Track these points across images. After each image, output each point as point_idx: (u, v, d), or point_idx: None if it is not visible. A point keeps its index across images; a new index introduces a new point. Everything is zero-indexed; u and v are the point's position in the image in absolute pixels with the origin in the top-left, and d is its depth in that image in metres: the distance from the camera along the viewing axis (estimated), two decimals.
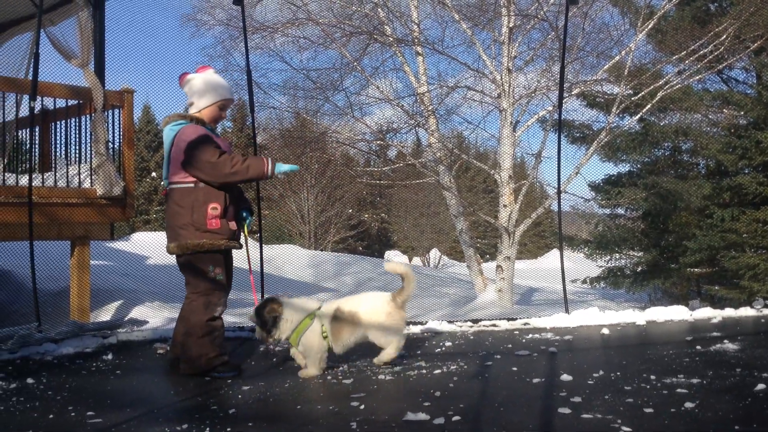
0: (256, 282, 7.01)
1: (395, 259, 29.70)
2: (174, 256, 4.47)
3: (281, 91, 12.26)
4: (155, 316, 6.81)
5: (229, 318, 7.01)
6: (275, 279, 11.39)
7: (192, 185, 4.36)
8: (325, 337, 4.30)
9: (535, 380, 4.04)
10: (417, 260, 33.86)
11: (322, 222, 30.38)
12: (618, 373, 4.12)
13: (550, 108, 11.26)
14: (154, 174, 32.26)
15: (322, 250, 25.64)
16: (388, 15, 11.43)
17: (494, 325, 6.21)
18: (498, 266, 10.86)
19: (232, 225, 4.47)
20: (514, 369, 4.39)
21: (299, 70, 11.65)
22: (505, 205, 10.86)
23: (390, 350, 4.45)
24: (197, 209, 4.33)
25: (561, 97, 7.16)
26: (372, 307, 4.41)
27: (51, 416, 3.50)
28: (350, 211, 33.23)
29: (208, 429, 3.24)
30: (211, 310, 4.40)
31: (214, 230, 4.35)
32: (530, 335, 5.69)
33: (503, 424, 3.20)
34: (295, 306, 4.34)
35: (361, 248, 36.22)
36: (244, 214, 4.64)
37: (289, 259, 14.61)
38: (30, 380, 4.24)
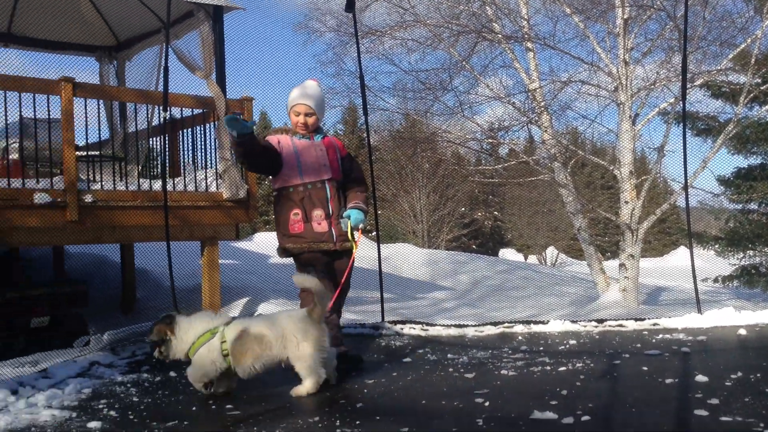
0: (375, 281, 7.14)
1: (510, 258, 29.25)
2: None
3: (391, 93, 12.38)
4: None
5: (350, 316, 7.17)
6: (392, 278, 11.52)
7: (276, 193, 4.68)
8: (225, 355, 3.89)
9: (668, 380, 3.86)
10: (533, 258, 33.22)
11: (435, 221, 30.45)
12: (758, 375, 3.87)
13: (672, 100, 10.73)
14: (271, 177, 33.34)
15: (435, 249, 25.66)
16: (496, 12, 11.29)
17: (621, 326, 5.97)
18: (621, 264, 10.46)
19: (320, 227, 4.56)
20: (645, 368, 4.21)
21: (408, 71, 11.73)
22: (626, 202, 10.45)
23: (307, 383, 3.86)
24: (282, 215, 4.60)
25: (684, 89, 6.79)
26: (284, 329, 3.87)
27: (193, 408, 3.72)
28: (463, 209, 33.11)
29: (338, 422, 3.33)
30: None
31: (297, 234, 4.55)
32: (660, 335, 5.43)
33: (636, 426, 3.09)
34: (192, 323, 4.00)
35: (474, 246, 35.99)
36: (347, 214, 4.66)
37: (404, 258, 14.72)
38: (173, 373, 4.51)
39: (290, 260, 4.76)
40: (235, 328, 3.93)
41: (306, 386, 3.83)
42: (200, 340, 3.91)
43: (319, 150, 4.68)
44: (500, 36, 11.06)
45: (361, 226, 4.64)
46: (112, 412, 3.62)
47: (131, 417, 3.54)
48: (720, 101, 12.70)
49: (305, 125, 4.69)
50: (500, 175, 14.21)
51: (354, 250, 4.61)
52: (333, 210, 4.62)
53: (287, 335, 3.83)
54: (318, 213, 4.58)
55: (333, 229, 4.60)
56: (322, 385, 3.90)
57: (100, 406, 3.74)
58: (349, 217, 4.63)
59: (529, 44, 11.13)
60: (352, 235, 4.60)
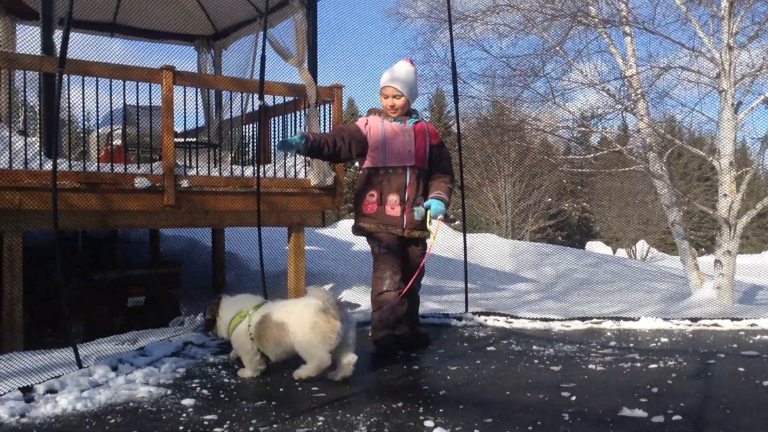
0: (458, 270, 7.13)
1: (597, 251, 28.48)
2: None
3: (480, 80, 12.23)
4: (363, 300, 7.14)
5: (433, 305, 7.18)
6: (475, 268, 11.44)
7: (360, 172, 4.83)
8: (252, 339, 4.02)
9: (766, 383, 3.69)
10: (622, 252, 32.26)
11: (520, 211, 29.99)
12: None
13: None
14: (357, 164, 33.73)
15: (519, 240, 25.30)
16: None
17: (716, 325, 5.72)
18: (717, 261, 10.01)
19: (393, 211, 4.67)
20: (741, 369, 4.03)
21: (499, 57, 11.56)
22: (725, 195, 9.97)
23: (310, 366, 3.85)
24: (360, 195, 4.78)
25: None
26: (298, 318, 3.87)
27: (281, 389, 3.82)
28: (549, 200, 32.46)
29: (421, 408, 3.36)
30: (379, 285, 4.65)
31: (370, 215, 4.70)
32: (758, 336, 5.18)
33: (730, 428, 2.97)
34: (230, 304, 4.19)
35: (560, 238, 35.30)
36: (427, 204, 4.72)
37: (488, 248, 14.59)
38: None
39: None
40: (260, 313, 4.05)
41: (307, 368, 3.84)
42: (233, 322, 4.12)
43: (407, 136, 4.70)
44: (597, 20, 10.73)
45: (440, 216, 4.65)
46: (205, 391, 3.78)
47: (222, 396, 3.68)
48: None
49: (393, 108, 4.72)
50: (591, 165, 13.83)
51: (432, 241, 4.67)
52: (409, 197, 4.67)
53: (298, 323, 3.85)
54: (393, 198, 4.67)
55: (405, 216, 4.67)
56: (407, 371, 3.92)
57: (194, 385, 3.90)
58: (428, 207, 4.66)
59: (626, 28, 10.75)
60: (430, 224, 4.63)
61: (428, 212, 4.71)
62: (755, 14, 10.29)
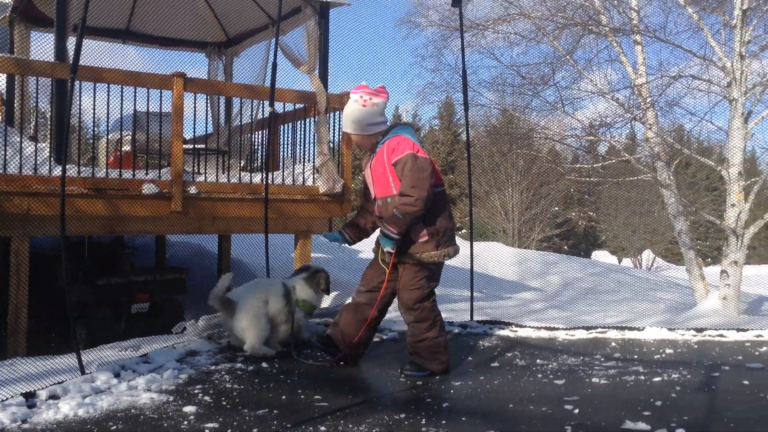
0: (463, 278, 7.11)
1: (603, 260, 28.38)
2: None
3: (489, 87, 12.25)
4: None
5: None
6: (480, 276, 11.43)
7: None
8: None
9: None
10: (627, 261, 32.14)
11: (527, 219, 29.96)
12: None
13: None
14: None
15: (526, 248, 25.25)
16: (604, 3, 10.96)
17: (721, 335, 5.70)
18: (723, 271, 9.98)
19: None
20: (746, 383, 4.02)
21: (509, 65, 11.58)
22: (733, 205, 9.94)
23: (247, 344, 4.91)
24: None
25: None
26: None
27: (283, 397, 3.84)
28: (556, 208, 32.40)
29: (424, 420, 3.37)
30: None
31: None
32: (764, 348, 5.16)
33: None
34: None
35: (566, 247, 35.19)
36: (378, 239, 4.59)
37: (493, 257, 14.57)
38: (264, 364, 4.67)
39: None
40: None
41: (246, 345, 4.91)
42: None
43: (376, 166, 4.58)
44: (607, 28, 10.74)
45: (386, 250, 4.44)
46: (207, 398, 3.79)
47: (224, 403, 3.70)
48: None
49: (359, 147, 4.79)
50: (598, 174, 13.82)
51: (387, 275, 4.54)
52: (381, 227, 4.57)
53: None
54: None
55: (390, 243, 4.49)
56: (410, 383, 4.01)
57: (196, 392, 3.92)
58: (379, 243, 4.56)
59: (637, 37, 10.75)
60: (384, 260, 4.55)
61: (380, 248, 4.57)
62: None
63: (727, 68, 10.02)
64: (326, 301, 7.62)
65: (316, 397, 3.81)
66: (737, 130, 9.95)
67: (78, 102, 6.14)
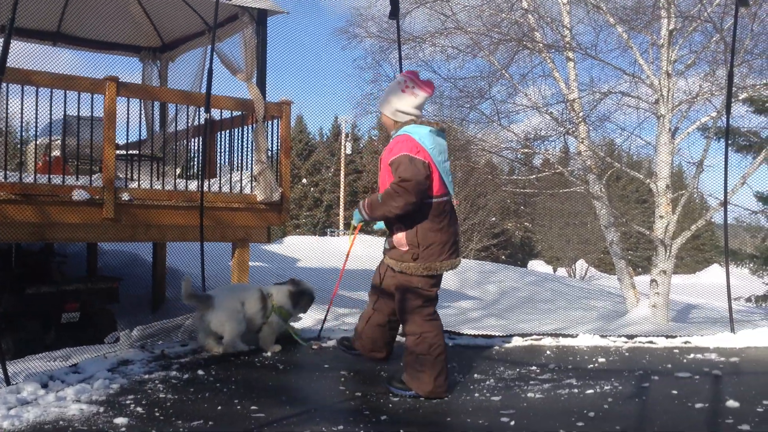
0: None
1: (539, 269, 28.99)
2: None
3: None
4: (306, 317, 7.06)
5: None
6: None
7: None
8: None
9: (698, 405, 3.80)
10: (562, 270, 32.90)
11: (465, 230, 30.32)
12: None
13: (713, 114, 10.57)
14: (305, 180, 33.60)
15: (464, 258, 25.55)
16: (539, 21, 11.25)
17: (651, 342, 5.87)
18: (653, 280, 10.34)
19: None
20: (674, 392, 4.14)
21: (447, 78, 11.74)
22: (661, 216, 10.32)
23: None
24: None
25: (729, 103, 6.61)
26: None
27: (219, 407, 3.76)
28: (493, 219, 32.93)
29: None
30: None
31: None
32: (692, 355, 5.33)
33: None
34: None
35: (504, 257, 35.76)
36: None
37: None
38: (200, 372, 4.57)
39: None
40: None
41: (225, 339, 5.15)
42: None
43: (382, 159, 4.49)
44: (541, 45, 11.01)
45: (354, 222, 4.61)
46: (139, 409, 3.68)
47: (157, 414, 3.60)
48: (763, 117, 12.45)
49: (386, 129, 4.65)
50: (533, 186, 14.13)
51: (350, 246, 5.04)
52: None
53: None
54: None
55: (386, 241, 4.42)
56: (350, 394, 4.01)
57: (128, 402, 3.80)
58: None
59: (569, 54, 11.06)
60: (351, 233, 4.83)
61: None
62: (693, 43, 10.77)
63: (654, 86, 10.41)
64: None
65: (253, 407, 3.74)
66: (665, 145, 10.34)
67: (5, 105, 5.90)
